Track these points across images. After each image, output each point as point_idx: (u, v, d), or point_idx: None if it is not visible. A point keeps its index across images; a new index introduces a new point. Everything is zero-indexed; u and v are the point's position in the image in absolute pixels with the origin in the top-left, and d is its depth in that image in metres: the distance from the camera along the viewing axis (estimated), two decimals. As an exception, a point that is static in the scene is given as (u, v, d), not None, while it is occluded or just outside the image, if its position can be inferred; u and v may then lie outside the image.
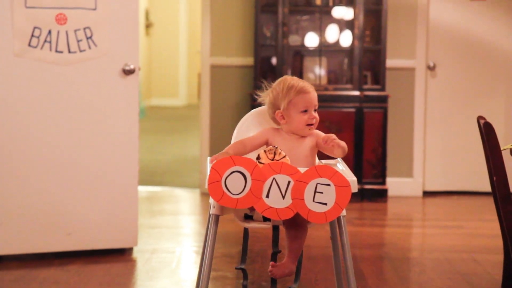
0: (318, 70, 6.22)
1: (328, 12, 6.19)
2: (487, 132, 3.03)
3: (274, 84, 2.95)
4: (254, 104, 5.81)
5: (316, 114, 2.89)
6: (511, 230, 3.04)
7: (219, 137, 6.31)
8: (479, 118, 3.25)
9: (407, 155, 6.37)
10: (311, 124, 2.87)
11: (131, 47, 4.28)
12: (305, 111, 2.86)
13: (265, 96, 2.98)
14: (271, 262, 2.81)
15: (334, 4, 6.15)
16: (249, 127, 3.09)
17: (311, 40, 6.19)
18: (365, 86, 6.10)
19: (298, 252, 2.82)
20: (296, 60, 6.28)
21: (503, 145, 3.14)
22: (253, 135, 2.94)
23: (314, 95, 2.89)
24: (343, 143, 2.82)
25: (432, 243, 4.90)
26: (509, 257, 3.26)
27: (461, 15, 6.34)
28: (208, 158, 3.00)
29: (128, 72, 4.26)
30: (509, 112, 6.35)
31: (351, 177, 2.67)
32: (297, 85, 2.88)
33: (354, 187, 2.63)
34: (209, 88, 6.35)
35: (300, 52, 6.28)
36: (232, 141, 3.07)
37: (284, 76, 2.97)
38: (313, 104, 2.88)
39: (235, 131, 3.10)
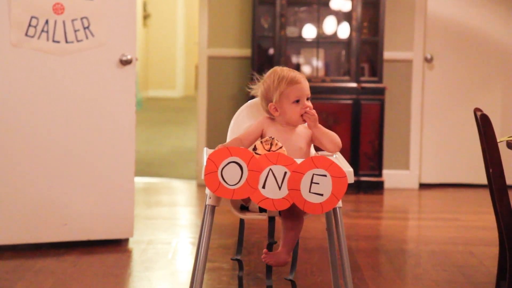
0: (316, 62, 6.21)
1: (326, 4, 6.18)
2: (484, 124, 3.03)
3: (265, 76, 2.94)
4: (251, 95, 5.80)
5: (309, 103, 2.88)
6: (507, 222, 3.05)
7: (216, 128, 6.31)
8: (476, 110, 3.24)
9: (403, 147, 6.37)
10: (306, 114, 2.85)
11: (128, 37, 4.27)
12: (297, 101, 2.86)
13: (257, 89, 2.97)
14: (265, 250, 2.81)
15: (332, -4, 6.15)
16: (246, 118, 3.09)
17: (309, 31, 6.19)
18: (363, 78, 6.09)
19: (293, 243, 2.82)
20: (294, 52, 6.28)
21: (500, 137, 3.14)
22: (248, 130, 2.93)
23: (305, 84, 2.87)
24: (333, 136, 2.83)
25: (428, 235, 4.90)
26: (504, 249, 3.26)
27: (458, 7, 6.33)
28: (205, 149, 2.99)
29: (125, 63, 4.25)
30: (506, 104, 6.36)
31: (347, 168, 2.67)
32: (288, 75, 2.86)
33: (351, 178, 2.63)
34: (206, 80, 6.35)
35: (298, 44, 6.27)
36: (229, 132, 3.07)
37: (274, 67, 2.94)
38: (305, 94, 2.86)
39: (232, 122, 3.09)
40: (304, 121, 2.87)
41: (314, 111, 2.82)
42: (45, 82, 4.14)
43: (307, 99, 2.88)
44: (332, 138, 2.85)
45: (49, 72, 4.14)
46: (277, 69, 2.92)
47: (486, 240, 4.66)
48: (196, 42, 12.68)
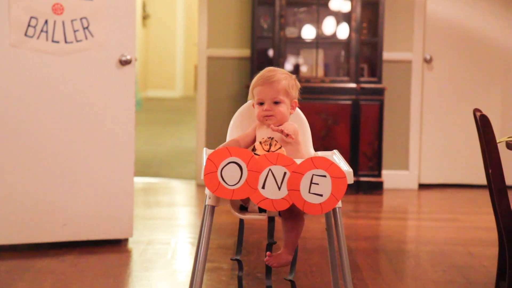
0: (315, 63, 6.21)
1: (325, 5, 6.18)
2: (483, 125, 3.03)
3: None
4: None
5: (274, 107, 2.85)
6: (506, 223, 3.05)
7: (215, 128, 6.31)
8: (475, 110, 3.24)
9: (403, 147, 6.37)
10: (267, 116, 2.85)
11: (127, 37, 4.27)
12: (262, 103, 2.86)
13: None
14: (267, 252, 2.81)
15: (331, -4, 6.16)
16: (245, 118, 3.09)
17: (308, 32, 6.19)
18: (362, 79, 6.10)
19: (295, 243, 2.82)
20: (293, 52, 6.28)
21: (499, 137, 3.15)
22: (246, 132, 2.94)
23: (270, 87, 2.84)
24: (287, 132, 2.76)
25: (428, 236, 4.90)
26: (504, 250, 3.26)
27: (458, 8, 6.34)
28: (204, 149, 3.00)
29: (124, 63, 4.25)
30: (505, 105, 6.36)
31: (347, 168, 2.67)
32: (259, 77, 2.88)
33: (350, 178, 2.63)
34: (205, 80, 6.35)
35: (297, 44, 6.27)
36: (228, 132, 3.07)
37: (266, 68, 2.95)
38: (268, 97, 2.85)
39: (231, 122, 3.09)
40: (267, 122, 2.86)
41: (284, 128, 2.74)
42: (44, 83, 4.14)
43: (276, 103, 2.86)
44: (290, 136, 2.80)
45: (48, 72, 4.14)
46: (267, 68, 2.93)
47: (485, 241, 4.66)
48: (195, 43, 12.68)
